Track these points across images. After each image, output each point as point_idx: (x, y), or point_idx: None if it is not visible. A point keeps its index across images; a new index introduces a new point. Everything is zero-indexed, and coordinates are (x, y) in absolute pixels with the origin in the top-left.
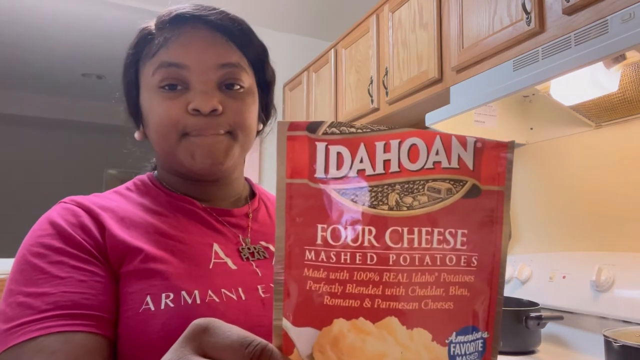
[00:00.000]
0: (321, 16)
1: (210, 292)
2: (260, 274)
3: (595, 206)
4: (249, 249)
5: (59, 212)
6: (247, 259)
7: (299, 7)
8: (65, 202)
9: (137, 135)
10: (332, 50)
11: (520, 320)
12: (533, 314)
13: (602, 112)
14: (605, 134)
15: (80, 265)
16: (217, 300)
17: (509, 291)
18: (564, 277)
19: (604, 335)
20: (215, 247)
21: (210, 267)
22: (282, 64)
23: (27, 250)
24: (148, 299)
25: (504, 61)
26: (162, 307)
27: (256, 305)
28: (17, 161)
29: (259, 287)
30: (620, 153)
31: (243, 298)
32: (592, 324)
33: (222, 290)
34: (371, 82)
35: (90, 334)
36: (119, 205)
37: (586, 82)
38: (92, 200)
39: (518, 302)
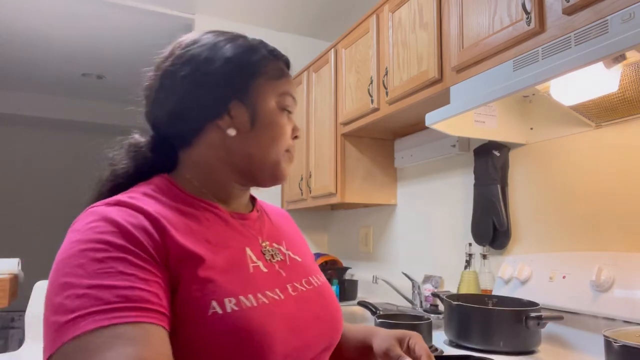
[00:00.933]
0: (321, 16)
1: (259, 294)
2: (284, 275)
3: (596, 206)
4: (269, 251)
5: (116, 212)
6: (270, 261)
7: (299, 7)
8: (114, 204)
9: (231, 131)
10: (332, 50)
11: (520, 320)
12: (533, 314)
13: (602, 112)
14: (605, 134)
15: (142, 265)
16: (266, 301)
17: (509, 291)
18: (564, 277)
19: (604, 335)
20: (248, 251)
21: (251, 271)
22: None
23: (86, 246)
24: (214, 303)
25: (504, 61)
26: (229, 310)
27: (290, 303)
28: (17, 161)
29: (287, 286)
30: (620, 153)
31: (282, 297)
32: (592, 324)
33: (266, 292)
34: (371, 82)
35: (161, 327)
36: (160, 209)
37: (586, 82)
38: (140, 202)
39: (518, 302)
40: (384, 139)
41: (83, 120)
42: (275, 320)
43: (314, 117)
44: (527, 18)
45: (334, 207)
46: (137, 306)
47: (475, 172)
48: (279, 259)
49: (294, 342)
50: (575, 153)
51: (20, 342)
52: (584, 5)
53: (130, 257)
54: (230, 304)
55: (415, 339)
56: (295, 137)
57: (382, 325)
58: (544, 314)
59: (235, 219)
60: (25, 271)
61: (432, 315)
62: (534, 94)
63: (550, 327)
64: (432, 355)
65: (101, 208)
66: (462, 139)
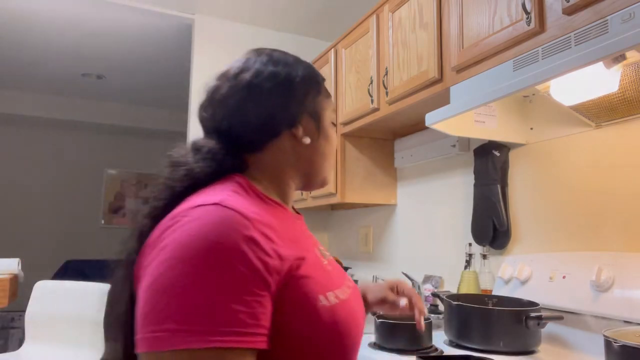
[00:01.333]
0: (321, 16)
1: (341, 289)
2: (338, 273)
3: (596, 206)
4: (321, 251)
5: (229, 221)
6: (326, 259)
7: (299, 7)
8: (226, 207)
9: (306, 139)
10: (332, 50)
11: (520, 320)
12: (533, 314)
13: (602, 112)
14: (605, 134)
15: (248, 287)
16: (347, 295)
17: (509, 291)
18: (564, 277)
19: (604, 335)
20: (315, 250)
21: (325, 269)
22: None
23: (202, 254)
24: (321, 297)
25: (504, 61)
26: (332, 302)
27: (354, 297)
28: (17, 161)
29: (345, 282)
30: (620, 153)
31: (350, 292)
32: (592, 324)
33: (342, 287)
34: (371, 82)
35: (255, 351)
36: (258, 211)
37: (586, 82)
38: (247, 207)
39: (518, 302)
40: (384, 139)
41: (83, 120)
42: (357, 311)
43: None
44: (527, 18)
45: (334, 207)
46: (239, 331)
47: (475, 172)
48: (329, 259)
49: (362, 330)
50: (575, 153)
51: (20, 342)
52: (584, 5)
53: (238, 279)
54: (331, 297)
55: (402, 285)
56: None
57: (382, 325)
58: (544, 314)
59: (296, 220)
60: (25, 271)
61: (432, 315)
62: (534, 94)
63: (550, 327)
64: (418, 295)
65: (216, 212)
66: (462, 139)
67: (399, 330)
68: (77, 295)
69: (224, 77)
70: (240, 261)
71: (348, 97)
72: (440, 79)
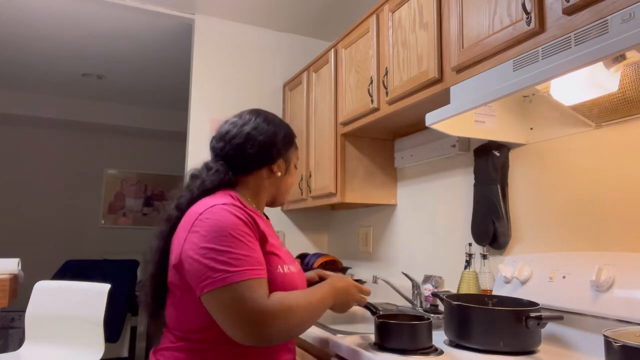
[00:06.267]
0: (321, 16)
1: (292, 266)
2: (290, 257)
3: (596, 206)
4: (282, 242)
5: (236, 210)
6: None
7: (299, 7)
8: (232, 206)
9: (278, 173)
10: (332, 50)
11: (520, 320)
12: (533, 314)
13: (602, 112)
14: (605, 134)
15: (254, 243)
16: (294, 271)
17: (509, 291)
18: (564, 277)
19: (604, 335)
20: (277, 240)
21: (284, 251)
22: (282, 64)
23: (228, 228)
24: (279, 266)
25: (504, 61)
26: (286, 271)
27: (299, 275)
28: (17, 161)
29: (294, 265)
30: (620, 153)
31: (296, 271)
32: (592, 324)
33: (292, 265)
34: (371, 82)
35: (265, 279)
36: (246, 210)
37: (586, 82)
38: (239, 206)
39: (518, 302)
40: (384, 139)
41: (83, 120)
42: (301, 282)
43: (314, 117)
44: (527, 18)
45: (334, 207)
46: (258, 267)
47: (475, 172)
48: (285, 249)
49: None
50: (575, 153)
51: (20, 342)
52: (584, 5)
53: (251, 239)
54: (285, 268)
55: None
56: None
57: (382, 325)
58: (544, 314)
59: (267, 222)
60: (25, 271)
61: (432, 315)
62: (534, 94)
63: (550, 327)
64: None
65: (225, 208)
66: (462, 139)
67: (399, 330)
68: (77, 295)
69: (233, 125)
70: (244, 230)
71: (348, 97)
72: (440, 79)
